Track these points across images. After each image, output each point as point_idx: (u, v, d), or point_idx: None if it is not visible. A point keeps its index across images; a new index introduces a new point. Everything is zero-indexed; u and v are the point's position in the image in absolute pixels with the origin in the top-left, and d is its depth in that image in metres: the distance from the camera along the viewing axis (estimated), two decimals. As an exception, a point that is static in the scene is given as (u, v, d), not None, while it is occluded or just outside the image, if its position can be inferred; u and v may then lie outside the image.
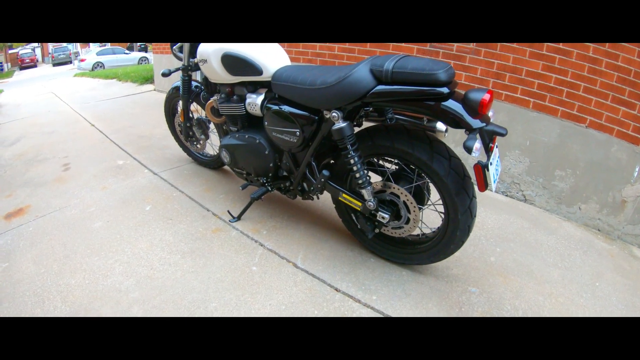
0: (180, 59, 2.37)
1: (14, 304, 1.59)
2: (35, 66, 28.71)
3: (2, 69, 28.50)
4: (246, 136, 1.99)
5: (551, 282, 1.75)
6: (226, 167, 2.71)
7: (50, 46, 31.84)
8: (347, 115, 1.56)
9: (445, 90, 1.30)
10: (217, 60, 1.93)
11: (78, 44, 30.84)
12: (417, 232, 1.70)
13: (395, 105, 1.45)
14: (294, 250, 1.89)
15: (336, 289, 1.64)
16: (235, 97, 2.00)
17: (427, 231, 1.75)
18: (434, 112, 1.36)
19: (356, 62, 1.53)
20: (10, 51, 33.32)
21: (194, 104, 2.56)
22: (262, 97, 1.88)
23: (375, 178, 1.68)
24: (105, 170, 2.89)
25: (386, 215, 1.60)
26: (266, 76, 1.81)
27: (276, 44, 1.96)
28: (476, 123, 1.28)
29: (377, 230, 1.72)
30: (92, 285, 1.67)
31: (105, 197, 2.45)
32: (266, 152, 1.91)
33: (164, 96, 2.98)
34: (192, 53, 2.26)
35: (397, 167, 1.69)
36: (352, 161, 1.56)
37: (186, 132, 2.67)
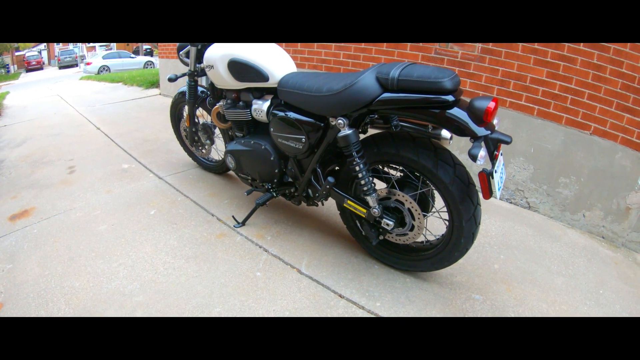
0: (186, 64, 2.39)
1: (17, 305, 1.60)
2: (41, 69, 28.95)
3: (8, 71, 28.78)
4: (252, 142, 2.00)
5: (555, 290, 1.75)
6: (231, 172, 2.73)
7: (57, 49, 32.12)
8: (353, 123, 1.57)
9: (450, 98, 1.31)
10: (223, 66, 1.94)
11: (84, 47, 31.12)
12: (421, 239, 1.70)
13: (400, 113, 1.45)
14: (298, 256, 1.89)
15: (340, 295, 1.64)
16: (241, 103, 2.02)
17: (431, 238, 1.75)
18: (439, 120, 1.36)
19: (361, 68, 1.55)
20: (16, 53, 33.62)
21: (200, 109, 2.58)
22: (268, 103, 1.89)
23: (380, 185, 1.68)
24: (110, 173, 2.91)
25: (391, 222, 1.60)
26: (272, 83, 1.83)
27: (282, 51, 1.98)
28: (481, 131, 1.29)
29: (381, 237, 1.73)
30: (96, 288, 1.68)
31: (110, 201, 2.46)
32: (271, 158, 1.92)
33: (169, 100, 3.00)
34: (199, 58, 2.27)
35: (401, 174, 1.69)
36: (357, 168, 1.57)
37: (192, 137, 2.68)
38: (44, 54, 34.90)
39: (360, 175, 1.57)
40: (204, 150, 2.76)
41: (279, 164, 1.92)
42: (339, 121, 1.55)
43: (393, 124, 1.56)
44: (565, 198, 2.36)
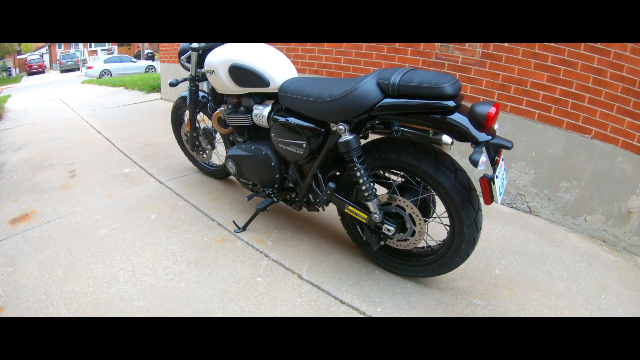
0: (187, 69, 2.39)
1: (17, 309, 1.60)
2: (43, 72, 29.04)
3: (10, 74, 28.89)
4: (252, 147, 2.00)
5: (556, 295, 1.74)
6: (232, 177, 2.73)
7: (58, 52, 32.27)
8: (354, 128, 1.57)
9: (451, 103, 1.31)
10: (224, 72, 1.95)
11: (86, 50, 31.24)
12: (422, 244, 1.70)
13: (401, 118, 1.46)
14: (299, 262, 1.89)
15: (341, 301, 1.64)
16: (242, 108, 2.02)
17: (432, 244, 1.75)
18: (440, 126, 1.36)
19: (362, 73, 1.55)
20: (18, 57, 33.77)
21: (201, 113, 2.58)
22: (269, 108, 1.89)
23: (381, 190, 1.68)
24: (111, 177, 2.91)
25: (392, 228, 1.60)
26: (273, 88, 1.83)
27: (283, 56, 1.98)
28: (482, 136, 1.29)
29: (382, 243, 1.72)
30: (96, 293, 1.68)
31: (111, 205, 2.46)
32: (272, 164, 1.92)
33: (170, 105, 3.01)
34: (200, 63, 2.28)
35: (402, 179, 1.69)
36: (358, 174, 1.56)
37: (192, 142, 2.68)
38: (46, 57, 35.03)
39: (361, 180, 1.57)
40: (204, 155, 2.77)
41: (279, 169, 1.92)
42: (340, 127, 1.55)
43: (394, 129, 1.56)
44: (567, 202, 2.35)
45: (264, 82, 1.83)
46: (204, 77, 2.28)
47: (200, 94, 2.49)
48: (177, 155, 3.26)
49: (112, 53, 27.01)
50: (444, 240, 1.64)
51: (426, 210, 1.64)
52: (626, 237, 2.17)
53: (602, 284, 1.84)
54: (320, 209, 1.94)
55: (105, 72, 17.02)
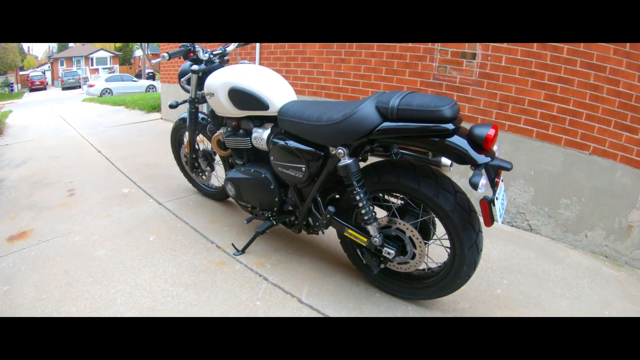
0: (187, 90, 2.41)
1: (13, 328, 1.57)
2: (44, 89, 29.37)
3: (12, 90, 29.18)
4: (252, 170, 2.00)
5: (560, 313, 1.72)
6: (231, 199, 2.72)
7: (60, 70, 32.66)
8: (353, 152, 1.57)
9: (450, 126, 1.31)
10: (224, 94, 1.96)
11: (87, 69, 31.62)
12: (423, 266, 1.69)
13: (400, 142, 1.46)
14: (298, 285, 1.87)
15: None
16: (241, 130, 2.03)
17: (433, 266, 1.73)
18: (439, 148, 1.37)
19: (361, 95, 1.56)
20: (21, 73, 34.19)
21: (200, 135, 2.59)
22: (268, 131, 1.90)
23: (380, 213, 1.67)
24: (110, 197, 2.91)
25: (392, 251, 1.59)
26: (272, 111, 1.84)
27: (282, 79, 1.99)
28: (481, 158, 1.29)
29: (382, 266, 1.71)
30: (93, 315, 1.65)
31: (109, 225, 2.45)
32: (272, 187, 1.91)
33: (170, 125, 3.03)
34: (200, 85, 2.30)
35: (402, 202, 1.69)
36: (357, 197, 1.56)
37: (192, 163, 2.69)
38: (48, 74, 35.46)
39: (360, 204, 1.57)
40: (204, 177, 2.77)
41: (279, 193, 1.92)
42: (339, 150, 1.55)
43: (393, 152, 1.56)
44: (567, 219, 2.35)
45: (263, 106, 1.84)
46: (203, 100, 2.30)
47: (200, 115, 2.50)
48: (176, 176, 3.26)
49: (114, 72, 27.32)
50: (444, 262, 1.63)
51: (426, 233, 1.63)
52: (628, 251, 2.16)
53: (605, 300, 1.83)
54: (320, 232, 1.93)
55: (106, 91, 17.17)
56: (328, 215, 1.75)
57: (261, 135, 1.91)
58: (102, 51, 35.32)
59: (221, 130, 2.16)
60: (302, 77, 3.63)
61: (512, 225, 2.58)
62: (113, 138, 4.97)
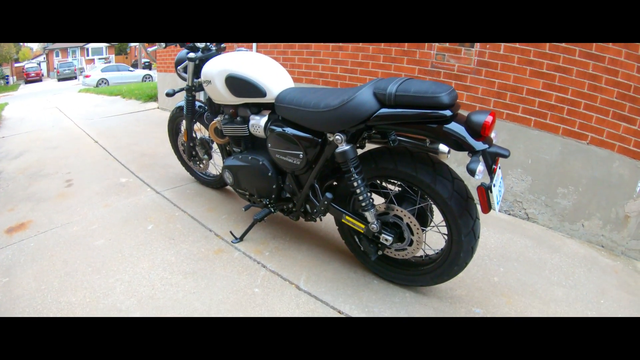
0: (184, 79, 2.40)
1: (13, 319, 1.58)
2: (40, 80, 29.08)
3: (7, 82, 28.93)
4: (249, 157, 2.00)
5: (556, 301, 1.74)
6: (229, 187, 2.72)
7: (56, 61, 32.33)
8: (351, 138, 1.57)
9: (448, 113, 1.31)
10: (221, 82, 1.95)
11: (83, 59, 31.32)
12: (420, 253, 1.70)
13: (398, 128, 1.46)
14: (296, 272, 1.87)
15: (339, 311, 1.62)
16: (238, 118, 2.02)
17: (430, 253, 1.74)
18: (436, 135, 1.37)
19: (359, 82, 1.56)
20: (16, 65, 33.84)
21: (198, 124, 2.58)
22: (265, 119, 1.89)
23: (378, 200, 1.68)
24: (108, 187, 2.90)
25: (389, 238, 1.60)
26: (270, 98, 1.83)
27: (280, 66, 1.98)
28: (479, 145, 1.29)
29: (380, 252, 1.71)
30: (92, 304, 1.66)
31: (107, 215, 2.45)
32: (269, 174, 1.91)
33: (167, 114, 3.01)
34: (197, 73, 2.28)
35: (400, 189, 1.69)
36: (355, 184, 1.56)
37: (189, 152, 2.68)
38: (43, 65, 35.10)
39: (358, 190, 1.57)
40: (201, 165, 2.76)
41: (276, 180, 1.92)
42: (337, 137, 1.55)
43: (391, 138, 1.56)
44: (564, 208, 2.36)
45: (261, 93, 1.84)
46: (200, 87, 2.28)
47: (197, 104, 2.49)
48: (174, 165, 3.26)
49: (110, 62, 27.11)
50: (442, 249, 1.64)
51: (424, 220, 1.63)
52: (624, 241, 2.17)
53: (601, 289, 1.84)
54: (318, 219, 1.93)
55: (102, 81, 17.04)
56: (326, 202, 1.75)
57: (259, 123, 1.90)
58: (98, 42, 34.93)
59: (218, 118, 2.16)
60: (299, 65, 3.60)
61: (509, 214, 2.59)
62: (110, 128, 4.95)
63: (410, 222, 1.58)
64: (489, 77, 2.51)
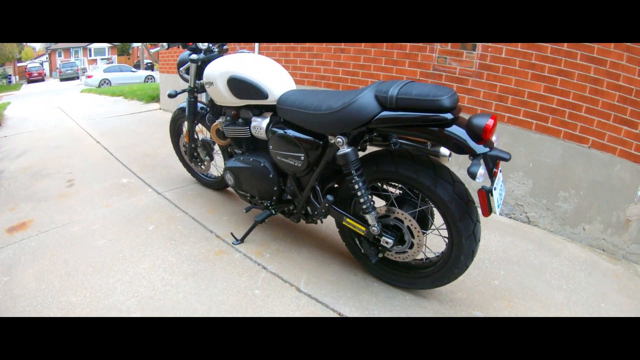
0: (186, 80, 2.40)
1: (13, 319, 1.58)
2: (42, 80, 29.16)
3: (10, 82, 29.03)
4: (251, 159, 2.00)
5: (556, 305, 1.73)
6: (230, 188, 2.73)
7: (58, 61, 32.43)
8: (352, 141, 1.57)
9: (449, 116, 1.31)
10: (223, 83, 1.95)
11: (86, 59, 31.41)
12: (421, 256, 1.70)
13: (399, 131, 1.46)
14: (297, 274, 1.88)
15: (339, 313, 1.62)
16: (240, 120, 2.02)
17: (431, 256, 1.74)
18: (438, 138, 1.37)
19: (360, 85, 1.56)
20: (18, 64, 33.95)
21: (199, 125, 2.59)
22: (267, 120, 1.89)
23: (379, 202, 1.68)
24: (109, 187, 2.91)
25: (390, 240, 1.60)
26: (271, 100, 1.83)
27: (282, 68, 1.99)
28: (480, 148, 1.29)
29: (380, 255, 1.72)
30: (93, 304, 1.66)
31: (108, 215, 2.46)
32: (270, 176, 1.92)
33: (169, 115, 3.02)
34: (199, 75, 2.29)
35: (401, 191, 1.69)
36: (356, 186, 1.56)
37: (191, 153, 2.69)
38: (46, 65, 35.20)
39: (359, 193, 1.57)
40: (203, 167, 2.77)
41: (277, 182, 1.92)
42: (338, 139, 1.55)
43: (392, 141, 1.56)
44: (565, 212, 2.35)
45: (262, 95, 1.84)
46: (202, 89, 2.29)
47: (199, 105, 2.50)
48: (175, 166, 3.26)
49: (112, 62, 27.17)
50: (442, 252, 1.63)
51: (424, 223, 1.63)
52: (625, 245, 2.17)
53: (602, 293, 1.84)
54: (319, 221, 1.93)
55: (104, 82, 17.07)
56: (327, 204, 1.75)
57: (260, 125, 1.90)
58: (101, 42, 35.05)
59: (220, 120, 2.16)
60: (301, 67, 3.61)
61: (510, 217, 2.59)
62: (112, 128, 4.96)
63: (411, 224, 1.58)
64: (491, 80, 2.51)
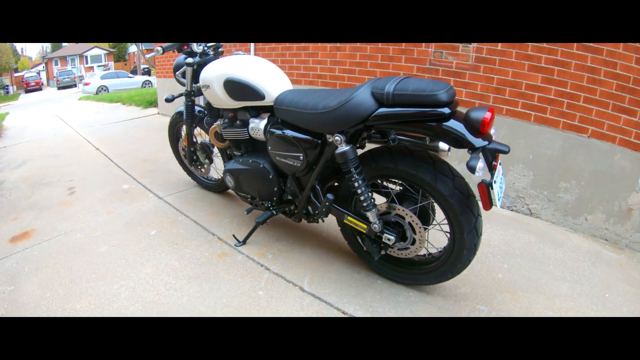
0: (183, 84, 2.40)
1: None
2: (40, 89, 29.20)
3: (7, 92, 29.09)
4: (250, 161, 2.00)
5: (561, 297, 1.73)
6: (231, 191, 2.73)
7: (55, 70, 32.47)
8: (350, 139, 1.57)
9: (446, 110, 1.31)
10: (219, 86, 1.95)
11: (82, 67, 31.44)
12: (423, 252, 1.69)
13: (397, 127, 1.46)
14: (300, 274, 1.87)
15: (344, 312, 1.62)
16: (238, 122, 2.02)
17: (433, 251, 1.74)
18: (436, 133, 1.36)
19: (357, 82, 1.56)
20: (15, 74, 34.01)
21: (198, 128, 2.59)
22: (265, 121, 1.89)
23: (379, 200, 1.68)
24: (110, 194, 2.91)
25: (392, 237, 1.59)
26: (268, 101, 1.83)
27: (278, 69, 1.98)
28: (478, 142, 1.29)
29: (383, 252, 1.71)
30: (97, 310, 1.67)
31: (110, 222, 2.46)
32: (270, 177, 1.92)
33: (167, 120, 3.02)
34: (195, 78, 2.29)
35: (401, 188, 1.69)
36: (356, 184, 1.56)
37: (190, 157, 2.69)
38: (43, 74, 35.24)
39: (359, 191, 1.57)
40: (203, 170, 2.77)
41: (277, 182, 1.92)
42: (336, 138, 1.55)
43: (390, 138, 1.56)
44: (567, 203, 2.35)
45: (259, 96, 1.84)
46: (199, 92, 2.29)
47: (197, 108, 2.50)
48: (175, 170, 3.26)
49: (109, 69, 27.21)
50: (444, 247, 1.63)
51: (426, 218, 1.63)
52: (628, 234, 2.16)
53: (606, 283, 1.83)
54: (320, 220, 1.93)
55: (102, 88, 17.08)
56: (327, 203, 1.75)
57: (258, 126, 1.90)
58: (96, 49, 35.06)
59: (218, 122, 2.16)
60: (297, 67, 3.61)
61: (512, 210, 2.58)
62: (111, 135, 4.97)
63: (412, 221, 1.58)
64: (488, 73, 2.51)
